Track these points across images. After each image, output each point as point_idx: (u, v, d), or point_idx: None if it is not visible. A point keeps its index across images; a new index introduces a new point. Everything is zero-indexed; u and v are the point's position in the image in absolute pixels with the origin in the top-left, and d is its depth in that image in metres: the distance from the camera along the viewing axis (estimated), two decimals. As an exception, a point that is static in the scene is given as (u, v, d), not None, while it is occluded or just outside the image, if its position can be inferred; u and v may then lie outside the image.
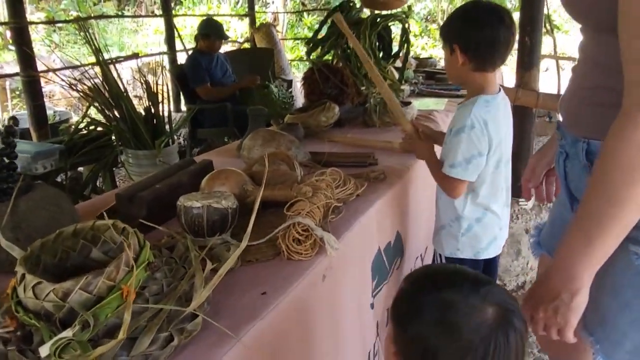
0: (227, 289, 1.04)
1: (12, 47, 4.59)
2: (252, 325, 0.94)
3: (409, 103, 2.62)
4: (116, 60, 4.31)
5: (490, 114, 1.49)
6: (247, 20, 8.43)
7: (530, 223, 2.35)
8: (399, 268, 1.78)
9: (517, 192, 2.40)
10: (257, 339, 0.94)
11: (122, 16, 9.29)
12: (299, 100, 5.63)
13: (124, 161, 3.27)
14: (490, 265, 1.68)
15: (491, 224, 1.62)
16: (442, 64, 5.29)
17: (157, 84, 3.49)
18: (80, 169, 3.47)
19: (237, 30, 9.13)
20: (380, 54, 2.29)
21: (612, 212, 0.83)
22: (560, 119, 1.16)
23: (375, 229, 1.54)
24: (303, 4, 10.87)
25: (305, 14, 10.23)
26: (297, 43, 9.50)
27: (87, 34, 3.40)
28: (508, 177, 1.64)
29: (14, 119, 1.20)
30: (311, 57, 2.39)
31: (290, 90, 4.44)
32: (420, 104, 2.86)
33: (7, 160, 1.17)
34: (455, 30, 1.46)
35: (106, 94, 3.26)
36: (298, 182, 1.52)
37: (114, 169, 3.62)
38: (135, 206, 1.40)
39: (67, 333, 0.77)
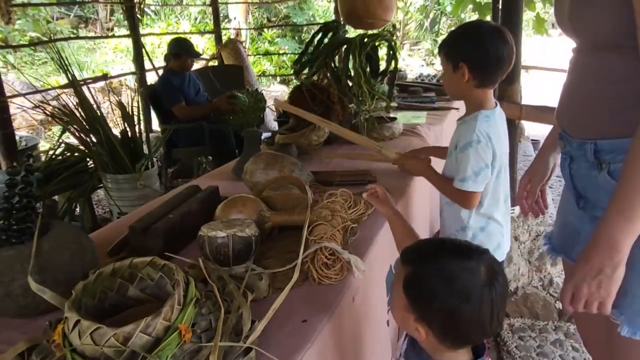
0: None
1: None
2: (303, 354, 0.94)
3: (394, 119, 2.68)
4: (86, 82, 4.22)
5: (491, 127, 1.56)
6: (208, 36, 8.40)
7: (518, 230, 2.43)
8: (393, 300, 1.80)
9: (505, 201, 2.50)
10: (307, 367, 0.94)
11: (93, 37, 9.09)
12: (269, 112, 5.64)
13: (104, 186, 3.20)
14: None
15: (494, 232, 1.68)
16: (410, 76, 5.42)
17: (132, 105, 3.45)
18: (55, 197, 3.36)
19: (198, 47, 9.07)
20: (368, 71, 2.33)
21: None
22: (559, 129, 1.24)
23: (388, 247, 1.56)
24: (269, 19, 10.92)
25: (265, 28, 10.28)
26: (259, 58, 9.52)
27: (59, 56, 3.32)
28: (507, 186, 1.71)
29: (30, 156, 1.16)
30: (299, 76, 2.41)
31: (261, 95, 4.45)
32: (401, 117, 2.93)
33: (25, 200, 1.13)
34: (461, 49, 1.51)
35: (81, 119, 3.20)
36: (312, 205, 1.53)
37: (90, 195, 3.53)
38: (150, 238, 1.37)
39: (134, 379, 0.75)
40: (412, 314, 0.90)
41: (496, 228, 1.67)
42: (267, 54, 9.56)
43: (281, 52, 9.78)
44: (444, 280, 0.86)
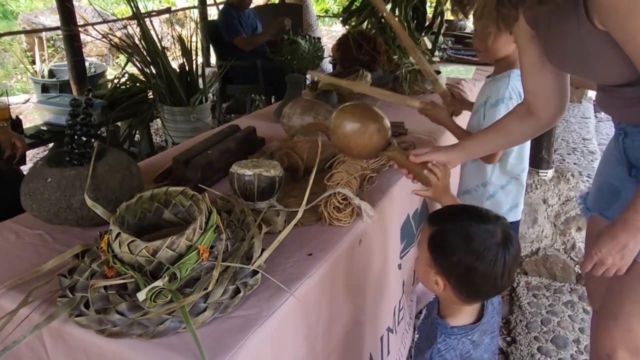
0: (276, 249, 1.20)
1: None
2: (302, 282, 1.10)
3: (438, 72, 2.70)
4: (149, 14, 4.40)
5: (521, 86, 1.61)
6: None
7: (548, 193, 2.47)
8: (417, 257, 1.93)
9: (537, 163, 2.53)
10: (305, 293, 1.10)
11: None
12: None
13: (161, 117, 3.43)
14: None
15: (513, 192, 1.76)
16: (470, 26, 5.26)
17: (190, 40, 3.60)
18: (118, 123, 3.64)
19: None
20: (414, 25, 2.35)
21: None
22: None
23: (406, 197, 1.68)
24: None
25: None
26: (323, -5, 9.37)
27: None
28: (529, 147, 1.77)
29: (90, 90, 1.34)
30: (347, 25, 2.47)
31: (320, 45, 4.51)
32: (448, 71, 2.94)
33: (85, 129, 1.32)
34: None
35: (143, 51, 3.40)
36: (335, 152, 1.66)
37: (149, 123, 3.79)
38: (190, 170, 1.56)
39: (159, 283, 0.94)
40: (433, 269, 1.03)
41: (516, 188, 1.76)
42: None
43: (345, -10, 9.57)
44: (463, 239, 0.98)
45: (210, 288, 0.94)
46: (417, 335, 1.20)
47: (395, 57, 2.52)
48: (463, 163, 1.81)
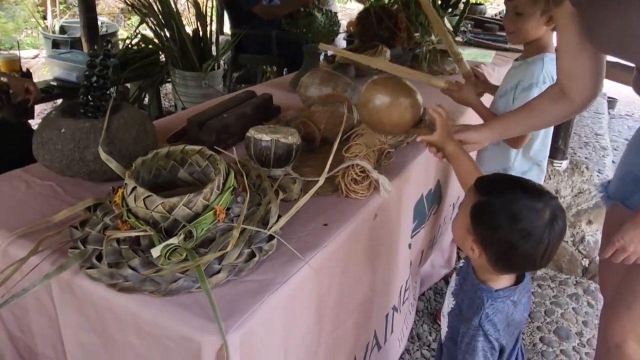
0: (292, 217, 1.17)
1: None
2: (317, 251, 1.08)
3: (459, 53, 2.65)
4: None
5: (554, 71, 1.56)
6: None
7: (561, 184, 2.43)
8: (435, 213, 1.91)
9: (553, 153, 2.49)
10: (320, 262, 1.08)
11: None
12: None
13: (172, 81, 3.38)
14: None
15: (534, 178, 1.72)
16: (490, 11, 5.16)
17: (205, 5, 3.54)
18: (128, 84, 3.59)
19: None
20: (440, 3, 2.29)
21: None
22: None
23: (422, 175, 1.65)
24: None
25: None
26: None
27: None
28: (552, 134, 1.74)
29: (109, 42, 1.30)
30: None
31: (336, 19, 4.42)
32: (467, 55, 2.88)
33: (101, 81, 1.29)
34: None
35: (158, 13, 3.33)
36: (354, 125, 1.63)
37: (159, 87, 3.74)
38: (204, 132, 1.52)
39: (174, 240, 0.91)
40: (472, 236, 1.00)
41: (537, 174, 1.73)
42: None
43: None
44: (510, 217, 0.93)
45: (229, 248, 0.91)
46: (453, 301, 1.16)
47: (417, 34, 2.47)
48: (483, 148, 1.78)
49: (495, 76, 2.76)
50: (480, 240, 0.99)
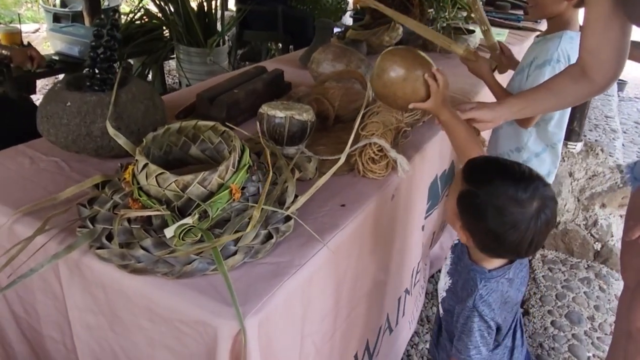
0: (308, 197, 1.13)
1: None
2: (335, 233, 1.04)
3: (473, 32, 2.57)
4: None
5: (573, 50, 1.51)
6: None
7: (575, 167, 2.38)
8: (448, 195, 1.86)
9: (567, 134, 2.43)
10: (337, 244, 1.04)
11: None
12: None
13: (176, 57, 3.31)
14: None
15: (547, 160, 1.69)
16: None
17: (210, -22, 3.44)
18: (131, 60, 3.51)
19: None
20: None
21: None
22: None
23: (437, 156, 1.60)
24: None
25: None
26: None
27: None
28: (568, 116, 1.68)
29: (116, 11, 1.23)
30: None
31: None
32: (480, 33, 2.80)
33: (109, 52, 1.23)
34: None
35: (162, -15, 3.24)
36: (370, 102, 1.57)
37: (163, 63, 3.66)
38: (215, 108, 1.47)
39: (188, 220, 0.87)
40: (459, 222, 0.98)
41: (550, 157, 1.68)
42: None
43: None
44: (495, 210, 0.91)
45: (248, 229, 0.87)
46: (449, 281, 1.14)
47: (431, 10, 2.39)
48: (498, 126, 1.73)
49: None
50: (466, 227, 0.98)
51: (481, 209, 0.93)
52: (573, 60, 1.51)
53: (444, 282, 1.15)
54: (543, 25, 3.05)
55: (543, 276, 2.24)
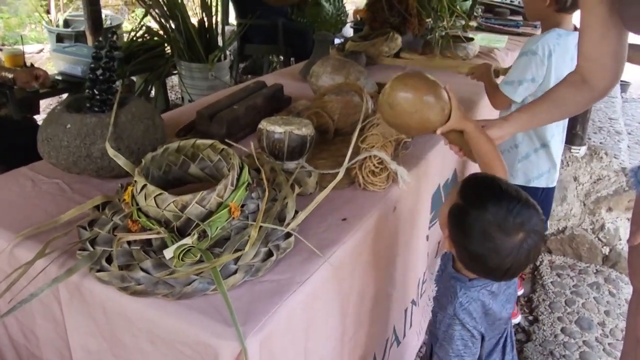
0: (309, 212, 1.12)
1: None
2: (337, 248, 1.03)
3: (471, 39, 2.57)
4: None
5: (559, 46, 1.58)
6: None
7: (579, 171, 2.37)
8: (445, 200, 1.85)
9: (570, 139, 2.42)
10: (340, 259, 1.03)
11: None
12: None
13: (178, 73, 3.33)
14: (547, 195, 1.81)
15: (544, 158, 1.74)
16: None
17: (210, -6, 3.46)
18: (133, 77, 3.54)
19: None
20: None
21: None
22: None
23: (439, 165, 1.59)
24: None
25: None
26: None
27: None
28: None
29: (114, 33, 1.25)
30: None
31: (344, 8, 4.34)
32: (480, 40, 2.80)
33: (108, 74, 1.23)
34: None
35: (162, 3, 3.27)
36: (369, 114, 1.56)
37: (165, 79, 3.69)
38: (215, 125, 1.47)
39: (188, 240, 0.86)
40: (447, 231, 1.00)
41: (545, 157, 1.74)
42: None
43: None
44: (481, 233, 0.93)
45: (247, 248, 0.86)
46: (435, 288, 1.16)
47: (429, 20, 2.39)
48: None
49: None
50: (452, 238, 0.99)
51: (468, 227, 0.94)
52: (556, 56, 1.59)
53: (432, 290, 1.16)
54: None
55: (552, 282, 2.22)
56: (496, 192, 0.95)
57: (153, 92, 3.60)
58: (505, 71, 1.84)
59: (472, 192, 0.98)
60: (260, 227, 0.95)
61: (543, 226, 0.95)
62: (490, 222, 0.91)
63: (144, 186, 0.92)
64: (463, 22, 2.44)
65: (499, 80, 1.76)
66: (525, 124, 1.32)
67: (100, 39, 1.29)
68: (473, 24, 2.82)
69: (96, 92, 1.25)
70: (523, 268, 0.97)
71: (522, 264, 0.94)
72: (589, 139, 3.35)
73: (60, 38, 4.29)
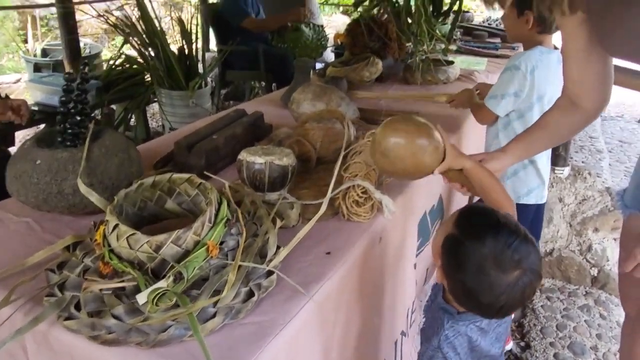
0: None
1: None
2: (322, 284, 0.98)
3: (452, 62, 2.58)
4: (148, -5, 4.22)
5: (542, 62, 1.61)
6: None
7: (564, 192, 2.36)
8: (438, 229, 1.82)
9: (554, 160, 2.42)
10: (324, 296, 0.99)
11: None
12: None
13: (158, 101, 3.29)
14: (537, 212, 1.81)
15: (533, 174, 1.74)
16: (478, 19, 5.14)
17: (191, 23, 3.45)
18: (113, 106, 3.49)
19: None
20: (430, 10, 2.23)
21: None
22: None
23: (425, 192, 1.56)
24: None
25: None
26: (325, -16, 9.17)
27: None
28: None
29: (86, 64, 1.21)
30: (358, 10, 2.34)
31: (324, 33, 4.36)
32: (460, 62, 2.81)
33: (79, 106, 1.19)
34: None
35: (142, 32, 3.24)
36: (351, 142, 1.54)
37: (146, 107, 3.65)
38: (193, 156, 1.43)
39: (162, 284, 0.81)
40: (440, 261, 0.96)
41: (533, 173, 1.74)
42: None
43: (348, -20, 9.39)
44: (475, 267, 0.88)
45: (225, 292, 0.81)
46: (423, 319, 1.13)
47: (409, 44, 2.40)
48: (488, 145, 1.83)
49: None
50: (445, 269, 0.95)
51: (463, 260, 0.90)
52: (538, 73, 1.61)
53: (420, 321, 1.12)
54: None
55: (542, 306, 2.19)
56: (494, 225, 0.91)
57: (133, 120, 3.55)
58: (489, 87, 1.85)
59: (469, 223, 0.94)
60: (240, 266, 0.90)
61: (541, 265, 0.91)
62: (487, 256, 0.87)
63: (115, 226, 0.87)
64: (443, 46, 2.44)
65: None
66: (523, 153, 1.31)
67: (72, 71, 1.26)
68: (453, 47, 2.83)
69: (68, 126, 1.20)
70: (517, 307, 0.93)
71: (516, 303, 0.90)
72: (571, 158, 3.37)
73: (37, 67, 4.24)
